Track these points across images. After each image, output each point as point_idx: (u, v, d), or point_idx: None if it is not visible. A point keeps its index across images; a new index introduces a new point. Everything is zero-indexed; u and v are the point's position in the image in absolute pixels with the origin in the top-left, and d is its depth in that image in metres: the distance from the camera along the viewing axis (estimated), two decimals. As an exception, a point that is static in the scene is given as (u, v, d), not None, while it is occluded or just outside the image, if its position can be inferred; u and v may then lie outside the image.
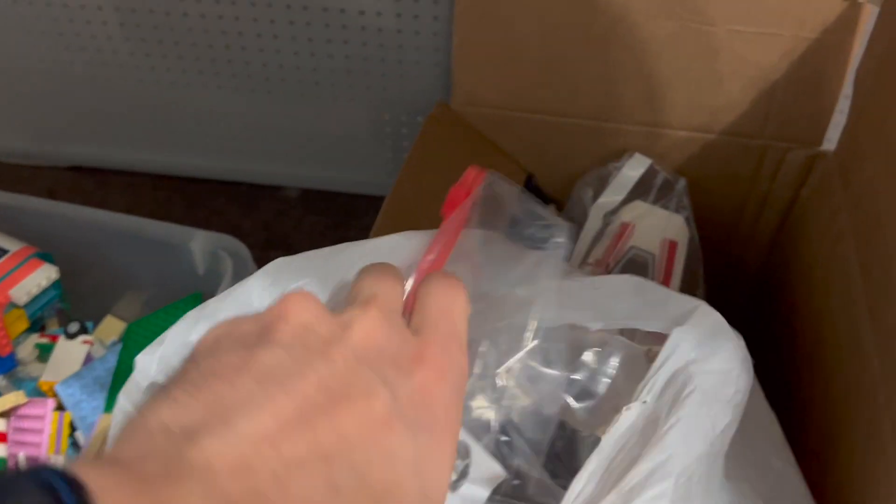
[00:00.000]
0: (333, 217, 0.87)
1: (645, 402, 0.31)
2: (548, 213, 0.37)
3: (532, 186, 0.62)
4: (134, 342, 0.60)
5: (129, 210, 0.88)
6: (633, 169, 0.56)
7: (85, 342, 0.62)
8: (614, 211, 0.55)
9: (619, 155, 0.58)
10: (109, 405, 0.56)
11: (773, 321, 0.59)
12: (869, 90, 0.49)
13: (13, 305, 0.60)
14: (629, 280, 0.36)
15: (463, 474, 0.32)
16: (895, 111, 0.45)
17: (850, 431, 0.42)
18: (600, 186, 0.57)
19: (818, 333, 0.50)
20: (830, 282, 0.49)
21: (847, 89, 0.52)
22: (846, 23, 0.51)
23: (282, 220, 0.87)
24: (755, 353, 0.51)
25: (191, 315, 0.34)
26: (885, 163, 0.45)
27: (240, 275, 0.56)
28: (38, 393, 0.59)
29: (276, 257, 0.86)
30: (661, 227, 0.54)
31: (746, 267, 0.63)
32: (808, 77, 0.53)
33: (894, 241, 0.42)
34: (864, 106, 0.49)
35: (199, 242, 0.58)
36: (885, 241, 0.43)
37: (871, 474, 0.39)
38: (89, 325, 0.65)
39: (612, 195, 0.56)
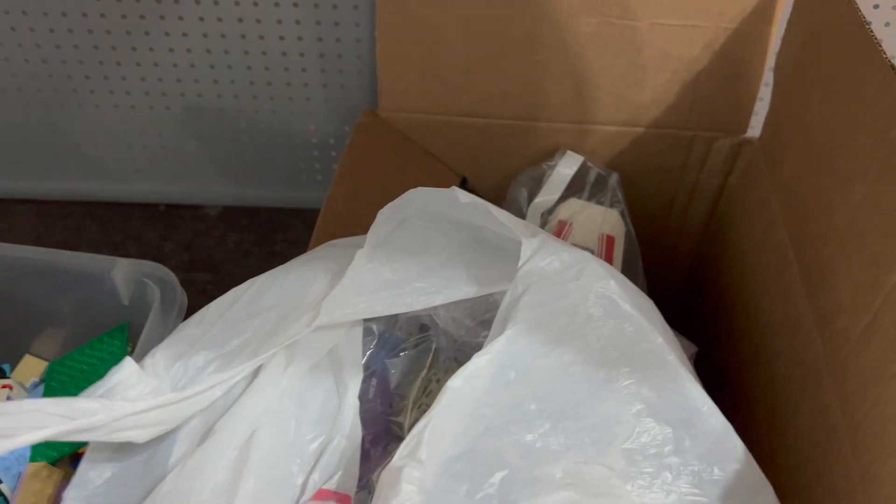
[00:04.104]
0: (257, 233, 0.85)
1: None
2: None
3: (466, 189, 0.61)
4: (57, 381, 0.57)
5: (39, 240, 0.84)
6: (567, 166, 0.56)
7: (3, 387, 0.58)
8: (551, 210, 0.55)
9: (551, 154, 0.58)
10: (35, 453, 0.53)
11: (709, 308, 0.60)
12: (788, 77, 0.50)
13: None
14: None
15: None
16: (815, 97, 0.46)
17: (797, 414, 0.43)
18: (534, 186, 0.57)
19: (756, 318, 0.51)
20: (765, 267, 0.50)
21: (767, 77, 0.54)
22: (764, 12, 0.52)
23: (203, 240, 0.84)
24: (693, 341, 0.52)
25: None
26: (808, 148, 0.46)
27: (168, 301, 0.53)
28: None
29: (201, 279, 0.83)
30: (597, 223, 0.54)
31: (680, 257, 0.64)
32: (729, 67, 0.54)
33: (823, 223, 0.43)
34: (785, 93, 0.50)
35: (122, 271, 0.55)
36: (815, 224, 0.44)
37: (822, 455, 0.39)
38: (6, 367, 0.61)
39: (547, 194, 0.55)
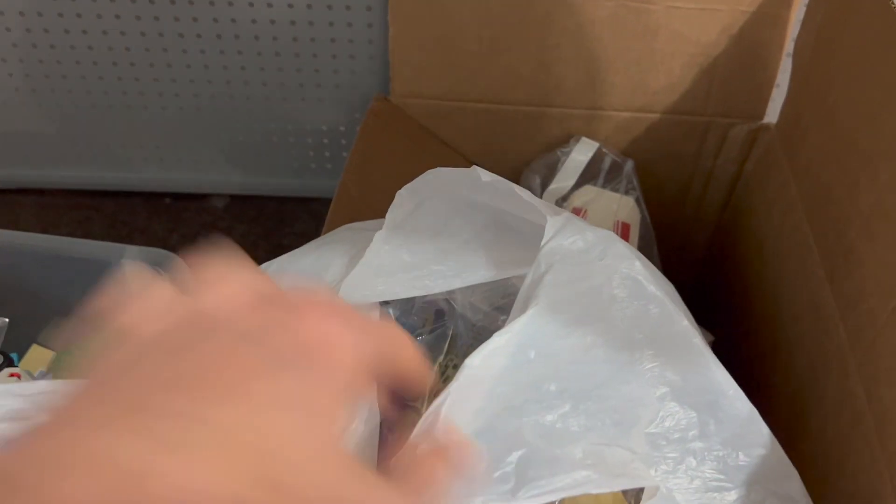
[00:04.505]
0: (264, 225, 0.84)
1: None
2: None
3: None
4: (65, 371, 0.56)
5: (44, 232, 0.83)
6: (581, 153, 0.56)
7: (12, 375, 0.57)
8: (565, 197, 0.54)
9: (564, 140, 0.58)
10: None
11: (726, 297, 0.59)
12: (808, 61, 0.49)
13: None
14: None
15: None
16: (836, 79, 0.45)
17: (821, 401, 0.42)
18: (548, 173, 0.56)
19: (776, 306, 0.50)
20: (784, 253, 0.49)
21: (785, 62, 0.53)
22: (783, -6, 0.51)
23: (210, 233, 0.83)
24: (710, 330, 0.51)
25: None
26: (830, 132, 0.45)
27: (178, 290, 0.52)
28: (-38, 434, 0.54)
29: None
30: (612, 210, 0.54)
31: (696, 244, 0.63)
32: (747, 51, 0.53)
33: (847, 206, 0.42)
34: (804, 77, 0.50)
35: (131, 258, 0.54)
36: (837, 208, 0.43)
37: (847, 443, 0.39)
38: (14, 356, 0.60)
39: (562, 181, 0.55)
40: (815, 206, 0.46)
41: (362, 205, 0.50)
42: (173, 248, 0.82)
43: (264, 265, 0.39)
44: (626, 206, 0.54)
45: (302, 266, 0.39)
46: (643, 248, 0.53)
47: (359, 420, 0.36)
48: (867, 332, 0.39)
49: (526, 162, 0.59)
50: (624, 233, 0.53)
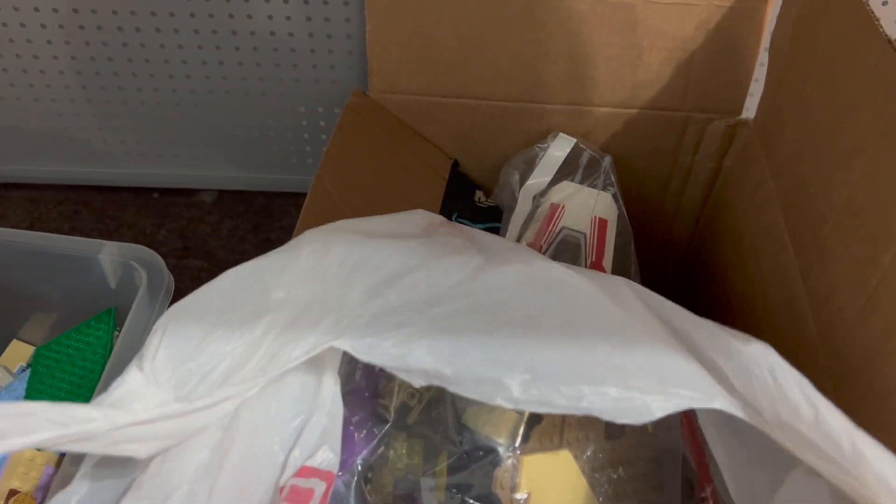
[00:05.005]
0: (253, 220, 0.84)
1: None
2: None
3: (457, 173, 0.61)
4: (44, 366, 0.56)
5: (32, 226, 0.83)
6: (559, 149, 0.55)
7: (-10, 370, 0.57)
8: (543, 192, 0.54)
9: (544, 136, 0.57)
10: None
11: (703, 293, 0.59)
12: (785, 56, 0.49)
13: None
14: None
15: None
16: (812, 75, 0.45)
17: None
18: (527, 169, 0.56)
19: (751, 302, 0.50)
20: (760, 249, 0.49)
21: (763, 57, 0.53)
22: (759, -11, 0.51)
23: (198, 227, 0.83)
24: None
25: None
26: (806, 127, 0.45)
27: (155, 285, 0.52)
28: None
29: (195, 266, 0.82)
30: (590, 206, 0.53)
31: (674, 240, 0.63)
32: (724, 46, 0.53)
33: (821, 202, 0.42)
34: (782, 72, 0.49)
35: (109, 254, 0.54)
36: (812, 204, 0.43)
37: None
38: (-7, 351, 0.60)
39: (539, 176, 0.55)
40: (791, 202, 0.46)
41: (339, 201, 0.50)
42: (161, 242, 0.82)
43: (248, 266, 0.37)
44: (603, 201, 0.54)
45: (296, 273, 0.37)
46: (620, 244, 0.53)
47: (320, 412, 0.36)
48: (837, 329, 0.39)
49: (506, 157, 0.58)
50: (601, 229, 0.53)
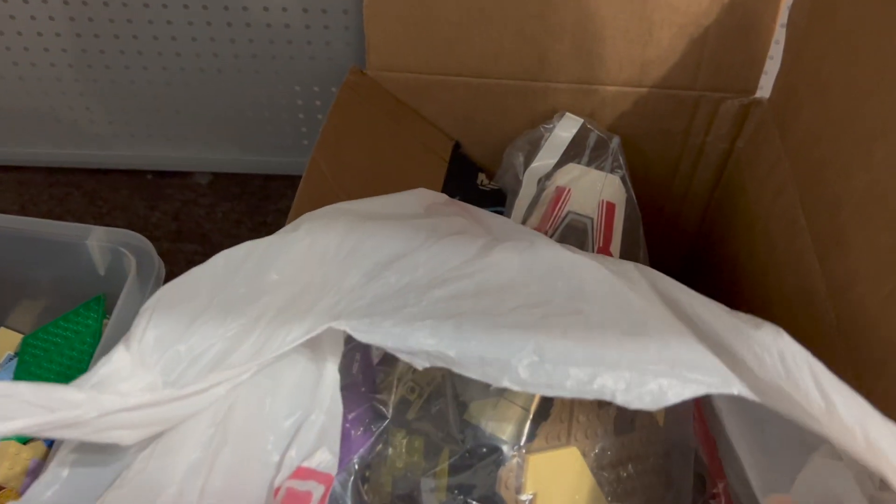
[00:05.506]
0: (248, 202, 0.82)
1: None
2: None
3: (459, 155, 0.58)
4: (31, 355, 0.55)
5: (23, 210, 0.81)
6: (565, 129, 0.53)
7: (-24, 359, 0.56)
8: (548, 175, 0.52)
9: (549, 116, 0.55)
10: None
11: (714, 279, 0.57)
12: (802, 32, 0.47)
13: None
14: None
15: None
16: (831, 53, 0.43)
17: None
18: (531, 150, 0.54)
19: (764, 289, 0.48)
20: (774, 234, 0.47)
21: (779, 33, 0.50)
22: (776, -39, 0.49)
23: (192, 210, 0.82)
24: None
25: None
26: (824, 108, 0.43)
27: (144, 271, 0.50)
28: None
29: (189, 250, 0.80)
30: (597, 189, 0.52)
31: (685, 225, 0.61)
32: (739, 22, 0.51)
33: (839, 187, 0.40)
34: (798, 49, 0.47)
35: (98, 239, 0.52)
36: (830, 187, 0.41)
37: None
38: (-20, 339, 0.59)
39: (544, 158, 0.53)
40: (807, 186, 0.44)
41: (335, 185, 0.48)
42: (154, 226, 0.80)
43: (242, 248, 0.35)
44: (611, 184, 0.52)
45: (293, 255, 0.35)
46: (628, 229, 0.51)
47: (318, 410, 0.35)
48: (858, 319, 0.37)
49: (509, 138, 0.56)
50: (609, 213, 0.51)
